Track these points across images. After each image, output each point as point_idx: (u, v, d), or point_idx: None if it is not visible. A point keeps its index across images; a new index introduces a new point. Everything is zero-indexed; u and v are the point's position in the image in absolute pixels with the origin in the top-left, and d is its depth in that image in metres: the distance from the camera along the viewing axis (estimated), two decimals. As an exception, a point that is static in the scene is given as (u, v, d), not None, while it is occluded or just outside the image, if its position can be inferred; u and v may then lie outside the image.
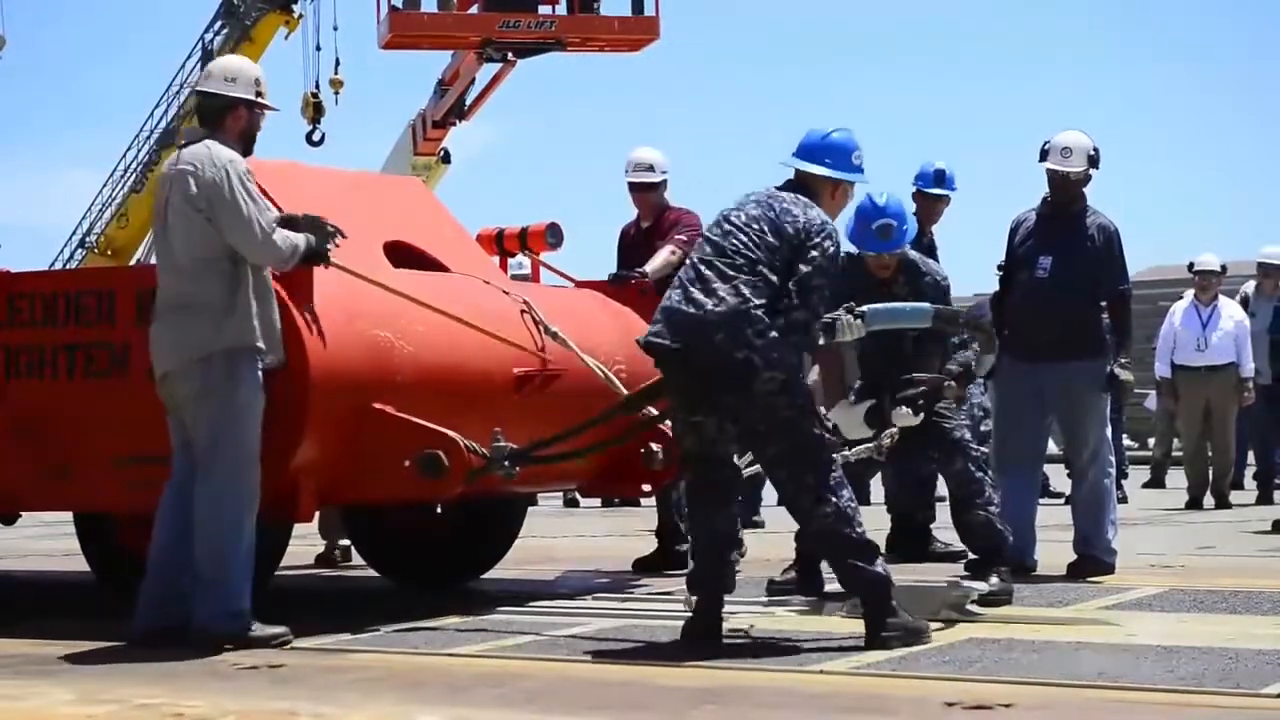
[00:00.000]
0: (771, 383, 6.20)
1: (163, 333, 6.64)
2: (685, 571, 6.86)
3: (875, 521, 7.41)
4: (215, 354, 6.51)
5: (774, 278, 6.31)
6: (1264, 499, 14.68)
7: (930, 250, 9.90)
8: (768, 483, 8.24)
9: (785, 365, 6.23)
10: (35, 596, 9.41)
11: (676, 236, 9.54)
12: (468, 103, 22.74)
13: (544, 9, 21.70)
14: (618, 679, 5.81)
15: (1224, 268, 15.22)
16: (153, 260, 7.71)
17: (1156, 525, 12.54)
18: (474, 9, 21.74)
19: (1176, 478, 15.67)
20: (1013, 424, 8.59)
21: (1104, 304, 8.83)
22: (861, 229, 7.96)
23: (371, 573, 9.30)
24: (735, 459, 6.62)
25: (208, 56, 26.10)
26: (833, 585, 7.56)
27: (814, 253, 6.36)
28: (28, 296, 7.51)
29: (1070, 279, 8.74)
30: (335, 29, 24.05)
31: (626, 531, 12.30)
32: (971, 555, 8.06)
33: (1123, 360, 8.76)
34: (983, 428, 7.98)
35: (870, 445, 7.32)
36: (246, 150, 6.75)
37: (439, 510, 8.60)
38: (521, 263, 9.76)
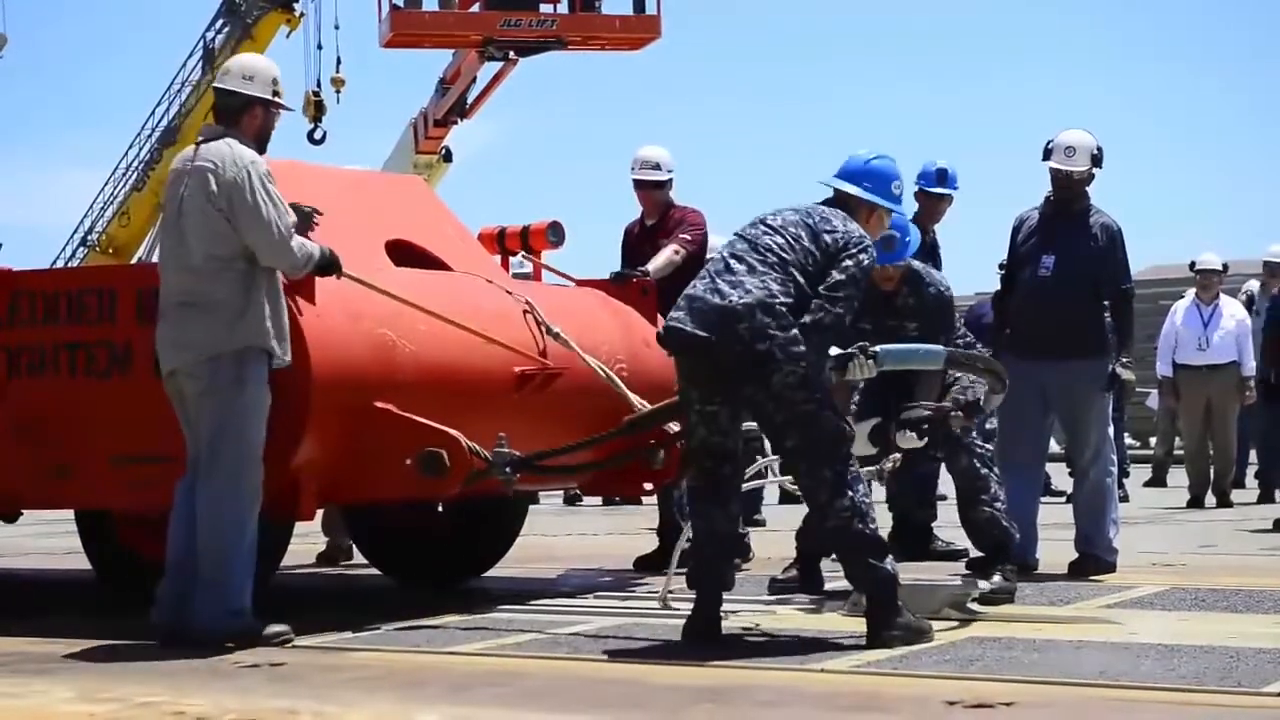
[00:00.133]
0: (792, 376, 6.21)
1: (171, 330, 6.62)
2: (685, 570, 6.87)
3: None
4: (225, 354, 6.51)
5: (803, 281, 6.35)
6: (1265, 498, 14.66)
7: (933, 249, 9.90)
8: (763, 441, 8.24)
9: (806, 359, 6.24)
10: (36, 594, 9.41)
11: (680, 236, 9.53)
12: (469, 101, 22.72)
13: (545, 8, 21.69)
14: (619, 677, 5.81)
15: (1225, 267, 15.23)
16: (154, 259, 7.70)
17: (1158, 524, 12.54)
18: (475, 8, 21.73)
19: (1178, 476, 15.67)
20: (1015, 423, 8.59)
21: (1106, 303, 8.82)
22: None
23: (373, 571, 9.30)
24: (741, 458, 6.63)
25: (209, 55, 26.12)
26: (834, 584, 7.57)
27: (848, 262, 6.41)
28: (29, 295, 7.50)
29: (1073, 278, 8.74)
30: (336, 28, 24.04)
31: (627, 530, 12.30)
32: (975, 553, 8.06)
33: (1125, 359, 8.76)
34: (988, 425, 7.97)
35: (872, 469, 7.31)
36: (260, 149, 6.75)
37: (440, 509, 8.61)
38: (523, 261, 9.76)
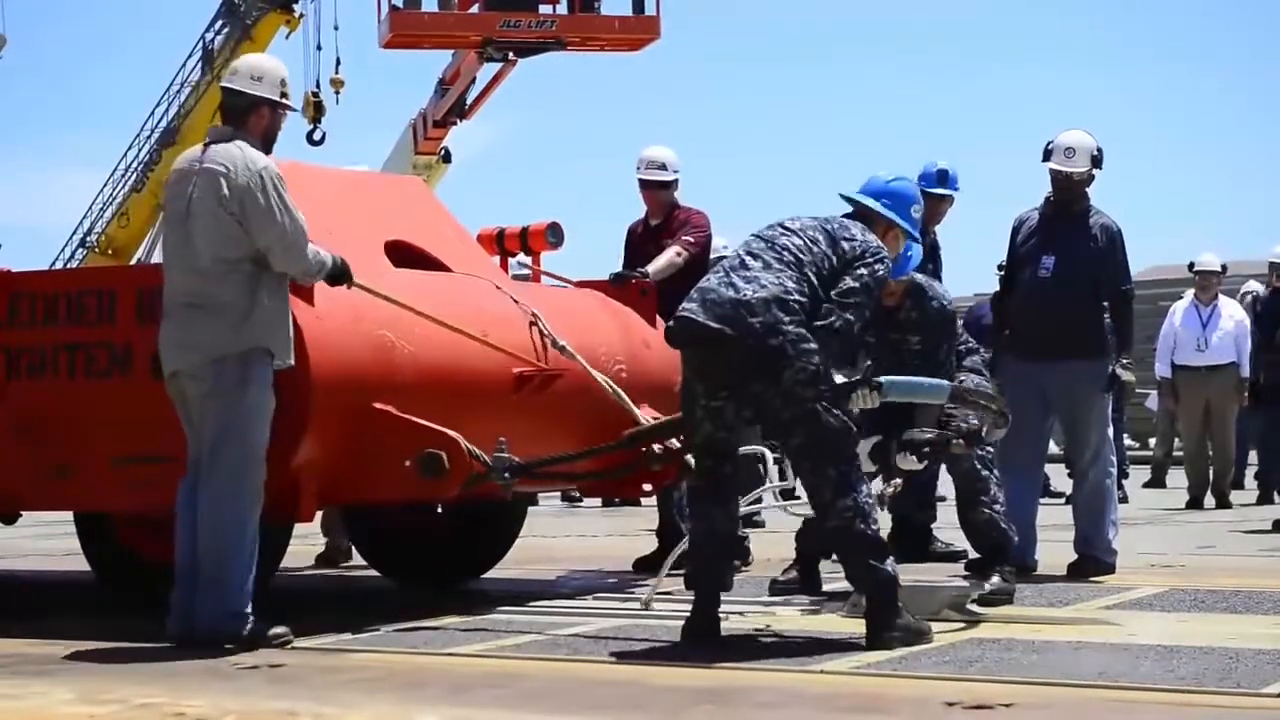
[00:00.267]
0: (801, 373, 6.21)
1: (175, 331, 6.61)
2: (684, 571, 6.87)
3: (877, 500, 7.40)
4: (230, 356, 6.51)
5: (818, 283, 6.37)
6: (1265, 499, 14.67)
7: (933, 250, 9.90)
8: (765, 459, 8.24)
9: (816, 356, 6.24)
10: (35, 596, 9.41)
11: (684, 238, 9.53)
12: (468, 102, 22.73)
13: (544, 8, 21.69)
14: (618, 679, 5.81)
15: (1224, 268, 15.24)
16: (154, 259, 7.68)
17: (1157, 525, 12.55)
18: (474, 8, 21.73)
19: (1177, 477, 15.68)
20: (1014, 424, 8.57)
21: (1106, 304, 8.82)
22: None
23: (372, 572, 9.30)
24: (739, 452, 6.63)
25: (208, 56, 26.11)
26: (833, 585, 7.57)
27: (862, 269, 6.43)
28: (28, 296, 7.50)
29: (1072, 279, 8.74)
30: (336, 28, 24.04)
31: (627, 531, 12.30)
32: (974, 554, 8.07)
33: (1124, 360, 8.76)
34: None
35: (875, 492, 7.32)
36: (266, 150, 6.74)
37: (439, 510, 8.61)
38: (524, 262, 9.76)
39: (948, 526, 9.38)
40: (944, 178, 9.96)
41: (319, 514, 8.35)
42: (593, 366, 7.90)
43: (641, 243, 9.78)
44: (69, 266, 25.67)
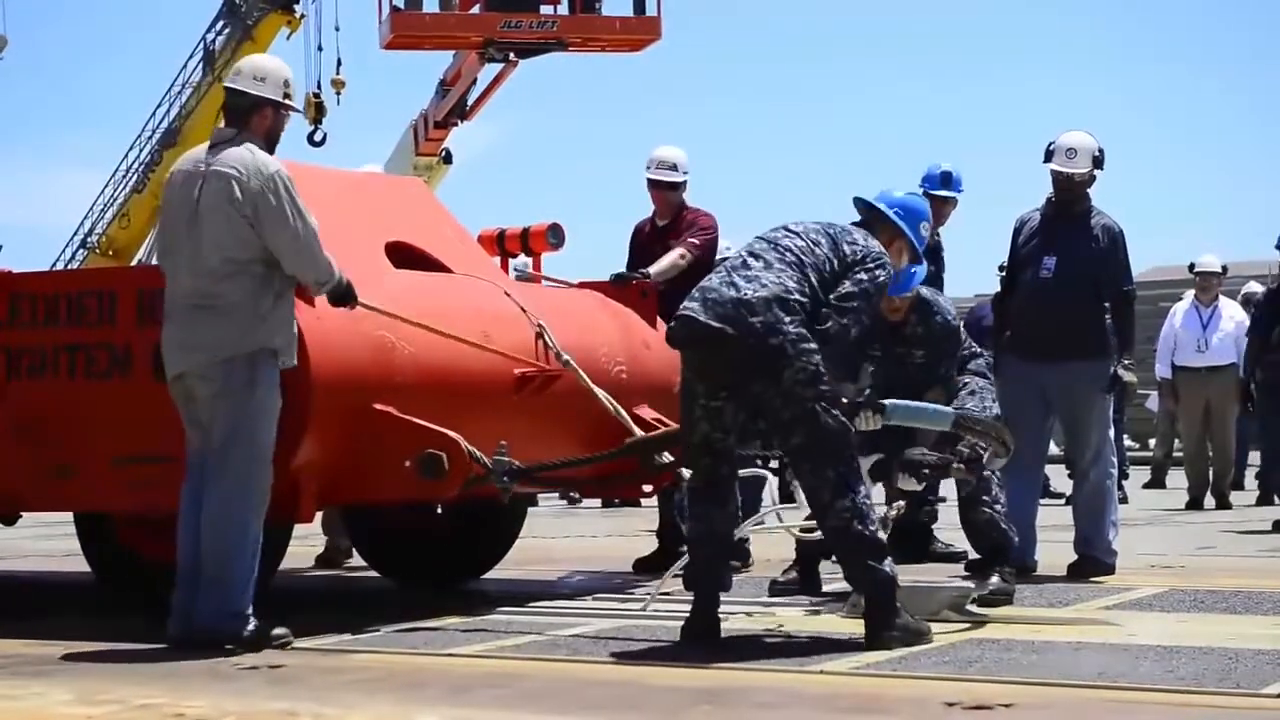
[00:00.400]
0: (801, 373, 6.21)
1: (180, 332, 6.61)
2: (683, 571, 6.87)
3: (878, 507, 7.39)
4: (239, 356, 6.51)
5: (818, 285, 6.37)
6: (1264, 499, 14.67)
7: (936, 252, 9.90)
8: (767, 484, 8.26)
9: (816, 356, 6.24)
10: (35, 596, 9.41)
11: (689, 240, 9.51)
12: (469, 103, 22.71)
13: (546, 9, 21.67)
14: (617, 679, 5.81)
15: (1225, 269, 15.24)
16: (154, 260, 7.68)
17: (1157, 526, 12.55)
18: (475, 9, 21.71)
19: (1177, 478, 15.68)
20: (1015, 425, 8.58)
21: (1107, 304, 8.83)
22: None
23: (372, 573, 9.30)
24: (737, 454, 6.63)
25: (209, 57, 26.10)
26: (833, 585, 7.57)
27: (862, 274, 6.44)
28: (29, 297, 7.51)
29: (1074, 279, 8.74)
30: (337, 29, 24.01)
31: (626, 532, 12.30)
32: (975, 555, 8.07)
33: (1126, 361, 8.76)
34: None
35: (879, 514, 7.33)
36: (269, 150, 6.74)
37: (439, 510, 8.61)
38: (527, 263, 9.76)
39: (948, 526, 9.38)
40: (948, 179, 9.97)
41: (319, 514, 8.36)
42: (593, 367, 7.90)
43: (648, 242, 9.76)
44: (69, 267, 25.68)
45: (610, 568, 9.52)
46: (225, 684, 5.82)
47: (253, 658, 6.26)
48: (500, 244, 9.52)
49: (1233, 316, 14.61)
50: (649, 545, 9.70)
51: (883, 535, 6.38)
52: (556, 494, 15.27)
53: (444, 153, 23.29)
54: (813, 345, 6.24)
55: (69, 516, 8.25)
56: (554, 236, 9.51)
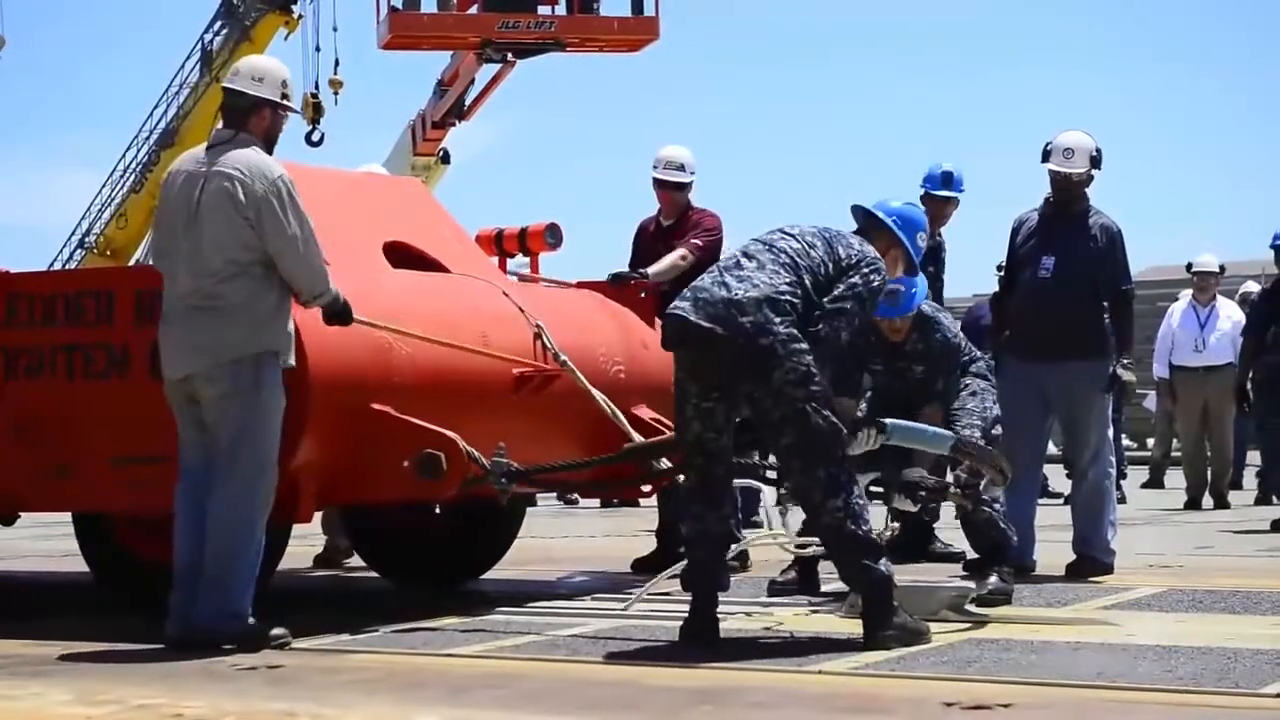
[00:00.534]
0: (791, 373, 6.20)
1: (181, 333, 6.60)
2: (680, 572, 6.87)
3: (877, 515, 7.40)
4: (245, 357, 6.50)
5: (811, 287, 6.36)
6: (1263, 499, 14.66)
7: (936, 252, 9.90)
8: (762, 495, 8.26)
9: (807, 357, 6.23)
10: (34, 597, 9.40)
11: (692, 241, 9.49)
12: (467, 103, 22.71)
13: (543, 9, 21.67)
14: (616, 679, 5.81)
15: (1222, 268, 15.25)
16: (150, 261, 7.67)
17: (1155, 525, 12.55)
18: (473, 9, 21.71)
19: (1175, 478, 15.68)
20: (1014, 425, 8.59)
21: (1106, 304, 8.82)
22: None
23: (371, 573, 9.30)
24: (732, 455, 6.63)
25: (207, 57, 26.08)
26: (831, 585, 7.57)
27: (856, 279, 6.43)
28: (27, 297, 7.50)
29: (1072, 279, 8.74)
30: (335, 29, 24.02)
31: (625, 532, 12.30)
32: (973, 554, 8.07)
33: (1125, 360, 8.76)
34: (994, 431, 7.97)
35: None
36: (267, 151, 6.73)
37: (438, 510, 8.60)
38: (525, 263, 9.75)
39: (947, 526, 9.38)
40: (949, 179, 9.97)
41: (319, 514, 8.35)
42: (591, 368, 7.90)
43: (652, 241, 9.74)
44: (67, 267, 25.67)
45: (609, 568, 9.51)
46: (224, 684, 5.82)
47: (251, 658, 6.25)
48: (498, 244, 9.51)
49: (1230, 316, 14.60)
50: (648, 545, 9.70)
51: (876, 535, 6.38)
52: (554, 494, 15.27)
53: (442, 153, 23.29)
54: (803, 346, 6.24)
55: (67, 517, 8.24)
56: (552, 236, 9.50)
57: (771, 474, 7.42)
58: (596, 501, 15.47)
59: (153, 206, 23.99)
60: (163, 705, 5.38)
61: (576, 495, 15.02)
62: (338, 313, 6.76)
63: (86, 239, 27.78)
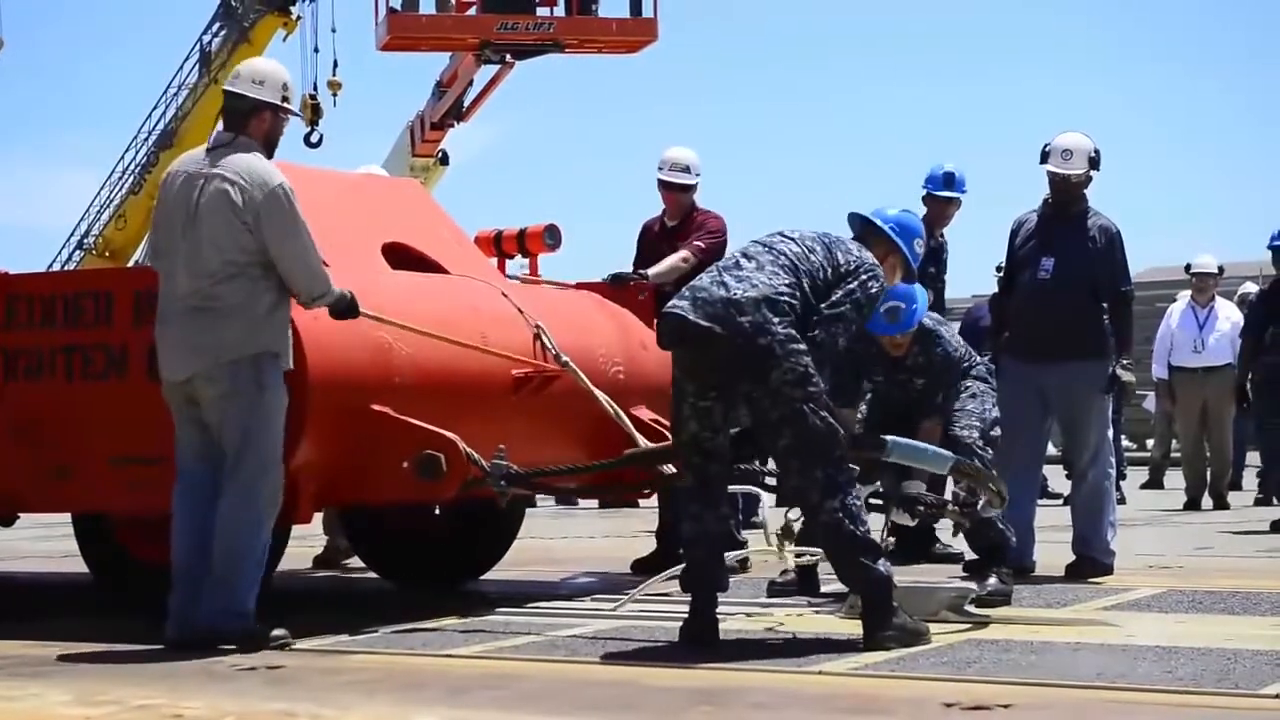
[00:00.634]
0: (790, 373, 6.20)
1: (180, 334, 6.60)
2: (679, 572, 6.86)
3: (875, 521, 7.43)
4: (245, 358, 6.50)
5: (810, 290, 6.36)
6: (1265, 500, 14.66)
7: (938, 252, 9.90)
8: (761, 501, 8.25)
9: (805, 358, 6.23)
10: (33, 597, 9.40)
11: (694, 243, 9.48)
12: (466, 104, 22.72)
13: (542, 11, 21.67)
14: (616, 680, 5.81)
15: (1221, 269, 15.25)
16: (147, 262, 7.65)
17: (1155, 526, 12.56)
18: (472, 11, 21.72)
19: (1175, 479, 15.68)
20: (1013, 425, 8.60)
21: (1105, 305, 8.82)
22: None
23: (370, 574, 9.30)
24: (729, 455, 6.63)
25: (205, 58, 26.06)
26: (831, 586, 7.57)
27: (853, 285, 6.43)
28: (26, 298, 7.50)
29: (1071, 280, 8.75)
30: (333, 31, 23.99)
31: (625, 533, 12.30)
32: (972, 555, 8.07)
33: (1125, 361, 8.77)
34: (993, 432, 7.98)
35: None
36: (267, 155, 6.73)
37: (437, 511, 8.60)
38: (524, 264, 9.75)
39: (947, 527, 9.37)
40: (950, 180, 9.97)
41: (319, 514, 8.35)
42: (590, 368, 7.90)
43: (656, 241, 9.74)
44: (66, 268, 25.66)
45: (609, 569, 9.51)
46: (223, 684, 5.82)
47: (250, 658, 6.25)
48: (497, 245, 9.50)
49: (1229, 317, 14.61)
50: (647, 546, 9.70)
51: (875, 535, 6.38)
52: (554, 496, 15.26)
53: (440, 154, 23.29)
54: (801, 346, 6.23)
55: (67, 517, 8.24)
56: (550, 238, 9.50)
57: (770, 480, 7.42)
58: (596, 502, 15.46)
59: (151, 207, 24.03)
60: (162, 706, 5.38)
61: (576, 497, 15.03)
62: (344, 310, 6.76)
63: (85, 240, 27.75)
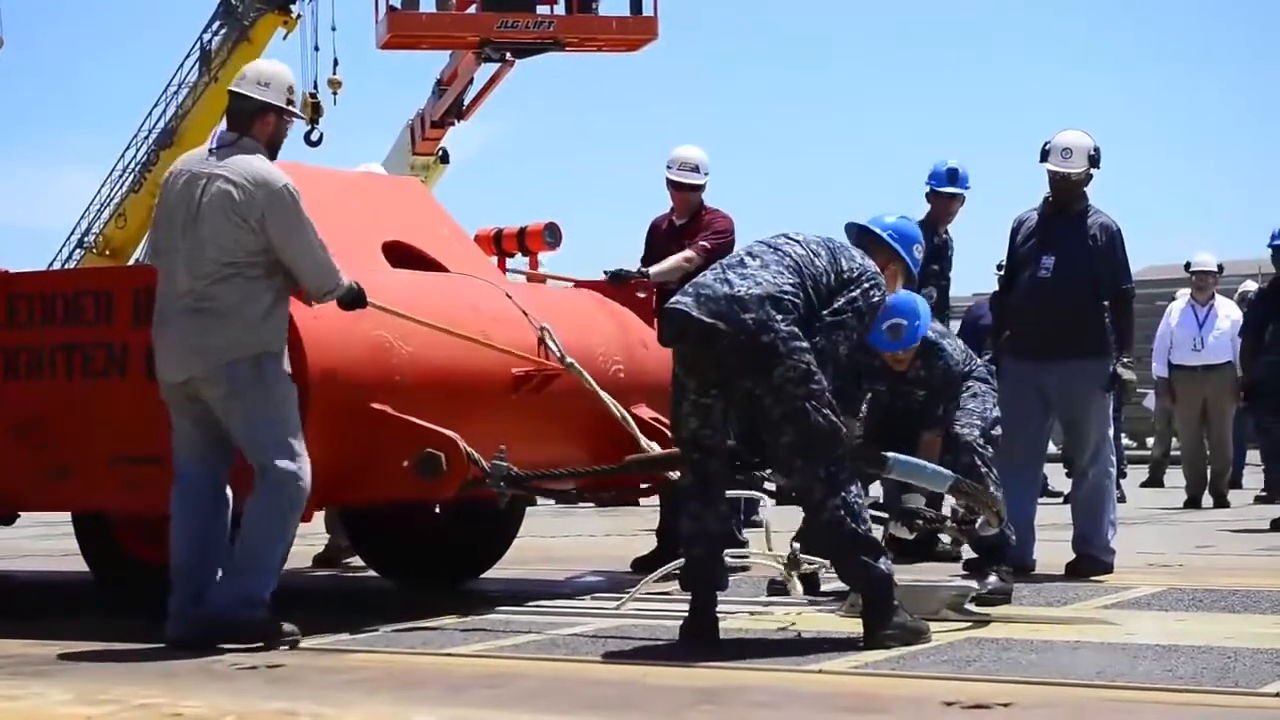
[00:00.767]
0: (792, 371, 6.19)
1: (179, 335, 6.59)
2: (677, 569, 6.86)
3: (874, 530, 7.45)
4: (244, 358, 6.50)
5: (813, 294, 6.36)
6: (1266, 500, 14.65)
7: (942, 249, 9.90)
8: (761, 503, 8.26)
9: (808, 356, 6.23)
10: (34, 597, 9.40)
11: (700, 242, 9.48)
12: (466, 102, 22.74)
13: (542, 9, 21.70)
14: (616, 679, 5.81)
15: (1221, 267, 15.25)
16: (148, 259, 7.66)
17: (1155, 524, 12.55)
18: (472, 9, 21.73)
19: (1175, 477, 15.68)
20: (1014, 424, 8.60)
21: (1106, 303, 8.82)
22: (873, 327, 7.99)
23: (370, 572, 9.30)
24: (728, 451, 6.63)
25: (205, 57, 26.07)
26: (831, 585, 7.57)
27: (855, 292, 6.44)
28: (26, 297, 7.50)
29: (1072, 279, 8.75)
30: (333, 29, 24.02)
31: (625, 531, 12.30)
32: (973, 554, 8.07)
33: (1125, 359, 8.77)
34: (994, 431, 7.98)
35: None
36: (271, 157, 6.73)
37: (437, 510, 8.60)
38: (524, 262, 9.75)
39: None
40: (954, 176, 9.97)
41: (319, 514, 8.35)
42: (591, 367, 7.89)
43: (664, 239, 9.73)
44: (66, 267, 25.66)
45: (609, 567, 9.51)
46: (223, 684, 5.82)
47: (250, 657, 6.25)
48: (497, 243, 9.50)
49: (1229, 315, 14.61)
50: (648, 544, 9.70)
51: (876, 533, 6.39)
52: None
53: (441, 152, 23.31)
54: (804, 344, 6.23)
55: (67, 517, 8.25)
56: (550, 236, 9.50)
57: (770, 485, 7.42)
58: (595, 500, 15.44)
59: (152, 206, 24.05)
60: (162, 705, 5.37)
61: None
62: (352, 301, 6.77)
63: (85, 239, 27.77)
